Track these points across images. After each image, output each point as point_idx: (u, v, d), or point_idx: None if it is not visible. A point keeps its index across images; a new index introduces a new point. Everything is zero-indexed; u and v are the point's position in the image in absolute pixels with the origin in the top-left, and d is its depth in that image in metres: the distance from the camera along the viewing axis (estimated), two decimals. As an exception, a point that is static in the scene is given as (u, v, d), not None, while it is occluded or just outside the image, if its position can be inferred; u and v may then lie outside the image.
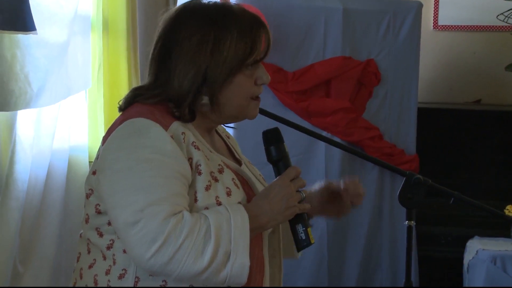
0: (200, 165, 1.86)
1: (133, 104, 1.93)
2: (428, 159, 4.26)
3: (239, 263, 1.78)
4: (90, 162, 3.37)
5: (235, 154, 2.09)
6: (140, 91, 1.95)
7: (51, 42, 3.12)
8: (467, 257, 3.98)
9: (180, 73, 1.89)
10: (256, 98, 1.96)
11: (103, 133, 2.82)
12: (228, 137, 2.15)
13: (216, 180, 1.88)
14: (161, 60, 1.93)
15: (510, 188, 4.34)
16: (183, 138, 1.87)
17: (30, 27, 2.92)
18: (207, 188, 1.85)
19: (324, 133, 3.99)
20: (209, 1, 1.97)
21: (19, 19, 2.89)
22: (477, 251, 3.90)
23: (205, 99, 1.90)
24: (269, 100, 3.87)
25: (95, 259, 1.90)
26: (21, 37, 2.95)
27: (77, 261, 1.95)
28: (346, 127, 4.04)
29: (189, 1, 2.01)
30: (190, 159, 1.86)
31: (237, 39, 1.89)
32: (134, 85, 3.55)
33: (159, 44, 1.94)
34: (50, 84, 3.12)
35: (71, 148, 3.36)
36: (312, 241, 1.91)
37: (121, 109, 1.96)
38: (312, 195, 2.13)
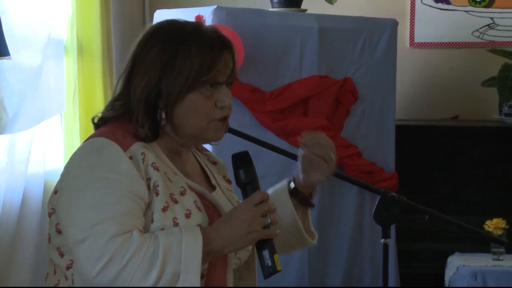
0: (158, 186, 1.85)
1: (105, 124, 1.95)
2: (407, 175, 4.26)
3: (189, 285, 1.77)
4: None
5: (212, 180, 2.07)
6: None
7: (25, 67, 3.12)
8: (448, 273, 3.97)
9: (136, 83, 1.91)
10: (220, 120, 1.94)
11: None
12: (215, 163, 2.14)
13: (176, 201, 1.87)
14: (126, 75, 1.95)
15: (490, 203, 4.35)
16: (142, 159, 1.86)
17: (4, 53, 2.92)
18: (164, 209, 1.85)
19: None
20: (184, 20, 1.97)
21: (-7, 45, 2.89)
22: (457, 267, 3.90)
23: (163, 115, 1.90)
24: (246, 120, 3.87)
25: (59, 280, 1.91)
26: (-6, 62, 2.95)
27: (45, 281, 1.95)
28: (324, 145, 4.03)
29: (165, 20, 2.01)
30: (148, 180, 1.86)
31: (194, 54, 1.88)
32: (111, 108, 3.54)
33: (128, 60, 1.96)
34: (25, 109, 3.11)
35: (47, 173, 3.35)
36: (279, 268, 1.87)
37: (96, 126, 1.98)
38: (297, 175, 2.14)
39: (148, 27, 1.98)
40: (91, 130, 2.01)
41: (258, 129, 3.89)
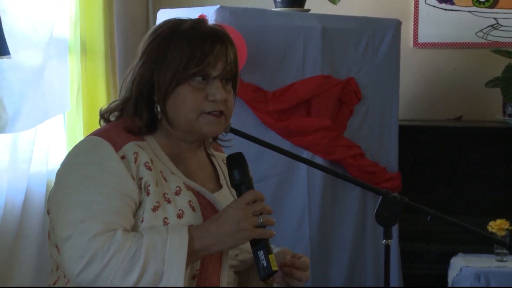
0: (149, 185, 1.85)
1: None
2: (410, 176, 4.25)
3: (173, 284, 1.76)
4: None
5: (221, 179, 2.07)
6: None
7: (26, 66, 3.12)
8: (451, 274, 3.96)
9: (135, 78, 1.92)
10: (215, 114, 1.92)
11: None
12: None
13: (169, 201, 1.87)
14: (133, 71, 1.96)
15: (493, 204, 4.33)
16: (135, 158, 1.86)
17: (4, 52, 2.92)
18: (155, 209, 1.84)
19: (305, 153, 3.98)
20: (186, 18, 1.97)
21: (-7, 44, 2.89)
22: (461, 268, 3.89)
23: (158, 108, 1.92)
24: (249, 120, 3.86)
25: (58, 277, 1.92)
26: (-6, 61, 2.94)
27: (49, 276, 1.96)
28: (327, 145, 4.03)
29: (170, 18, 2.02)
30: (140, 179, 1.86)
31: (184, 47, 1.88)
32: (113, 107, 3.54)
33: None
34: (26, 108, 3.11)
35: (49, 172, 3.34)
36: (274, 269, 1.86)
37: (102, 117, 1.99)
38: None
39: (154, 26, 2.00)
40: (94, 129, 2.02)
41: (261, 128, 3.89)
